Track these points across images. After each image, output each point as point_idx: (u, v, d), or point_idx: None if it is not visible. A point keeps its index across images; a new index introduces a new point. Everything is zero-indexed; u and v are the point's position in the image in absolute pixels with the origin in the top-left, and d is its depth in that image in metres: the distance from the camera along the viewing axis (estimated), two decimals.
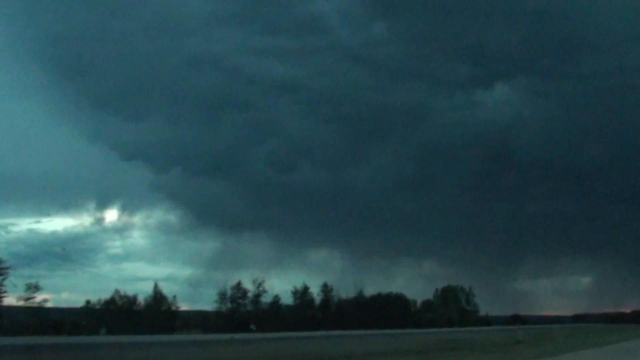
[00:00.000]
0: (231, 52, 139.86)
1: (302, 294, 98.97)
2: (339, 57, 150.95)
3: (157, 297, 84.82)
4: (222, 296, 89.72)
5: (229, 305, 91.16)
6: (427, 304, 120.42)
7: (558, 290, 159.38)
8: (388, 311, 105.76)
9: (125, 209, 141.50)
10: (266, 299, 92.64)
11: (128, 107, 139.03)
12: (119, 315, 77.53)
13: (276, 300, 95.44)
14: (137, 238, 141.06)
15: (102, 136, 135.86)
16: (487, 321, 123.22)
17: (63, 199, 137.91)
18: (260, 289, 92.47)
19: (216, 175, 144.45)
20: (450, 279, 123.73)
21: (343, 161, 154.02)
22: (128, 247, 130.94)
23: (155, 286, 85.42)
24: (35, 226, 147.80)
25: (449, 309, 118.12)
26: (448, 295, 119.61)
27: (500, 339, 47.60)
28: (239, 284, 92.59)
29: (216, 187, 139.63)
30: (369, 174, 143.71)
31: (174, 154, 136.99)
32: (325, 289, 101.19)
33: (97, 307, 79.70)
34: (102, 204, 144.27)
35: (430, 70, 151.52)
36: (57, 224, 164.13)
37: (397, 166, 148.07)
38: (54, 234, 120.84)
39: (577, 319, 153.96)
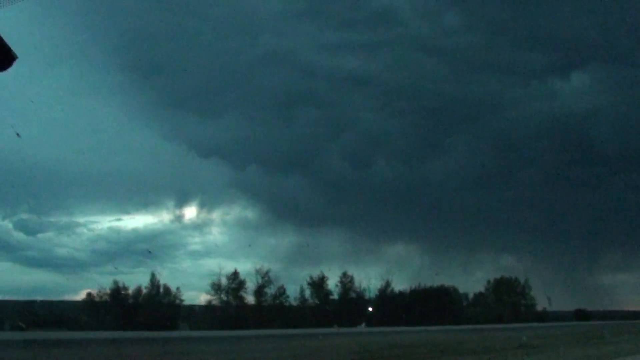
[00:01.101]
0: (303, 48, 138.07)
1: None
2: (412, 49, 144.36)
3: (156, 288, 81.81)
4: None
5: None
6: (478, 297, 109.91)
7: (638, 283, 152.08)
8: (430, 305, 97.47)
9: (203, 205, 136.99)
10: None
11: (204, 106, 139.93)
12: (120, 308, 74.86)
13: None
14: (216, 234, 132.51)
15: (180, 134, 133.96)
16: (543, 317, 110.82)
17: (143, 197, 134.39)
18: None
19: (291, 171, 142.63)
20: (508, 270, 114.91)
21: (418, 154, 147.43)
22: (207, 243, 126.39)
23: (153, 276, 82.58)
24: (116, 224, 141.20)
25: (501, 303, 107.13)
26: (501, 287, 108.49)
27: (506, 341, 38.48)
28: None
29: (292, 183, 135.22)
30: (445, 167, 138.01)
31: (250, 151, 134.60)
32: (345, 279, 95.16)
33: (97, 299, 76.47)
34: (181, 201, 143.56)
35: (504, 60, 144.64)
36: (137, 221, 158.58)
37: (473, 159, 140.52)
38: (134, 231, 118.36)
39: None
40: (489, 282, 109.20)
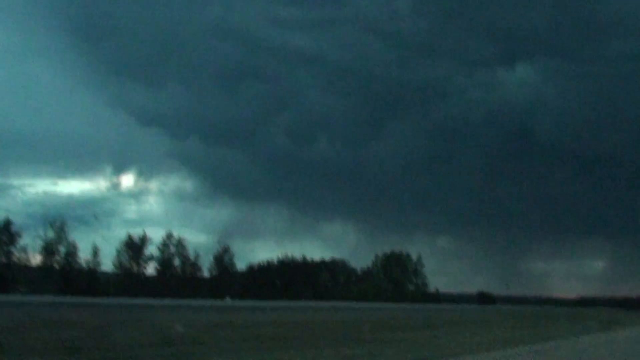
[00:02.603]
0: (251, 22, 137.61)
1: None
2: (361, 30, 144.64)
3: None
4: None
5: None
6: (367, 272, 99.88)
7: (567, 273, 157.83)
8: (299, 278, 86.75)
9: (141, 174, 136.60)
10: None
11: (148, 74, 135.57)
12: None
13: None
14: (153, 204, 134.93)
15: (122, 101, 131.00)
16: (438, 298, 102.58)
17: (80, 162, 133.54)
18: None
19: (233, 144, 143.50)
20: (398, 245, 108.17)
21: (361, 136, 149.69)
22: (143, 212, 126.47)
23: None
24: (51, 188, 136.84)
25: (390, 280, 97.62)
26: (390, 263, 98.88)
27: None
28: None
29: (233, 156, 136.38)
30: (386, 150, 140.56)
31: (191, 122, 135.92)
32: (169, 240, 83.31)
33: None
34: (119, 169, 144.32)
35: (452, 47, 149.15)
36: (73, 186, 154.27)
37: (414, 143, 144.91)
38: (70, 196, 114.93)
39: (581, 302, 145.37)
40: (377, 257, 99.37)
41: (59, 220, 75.23)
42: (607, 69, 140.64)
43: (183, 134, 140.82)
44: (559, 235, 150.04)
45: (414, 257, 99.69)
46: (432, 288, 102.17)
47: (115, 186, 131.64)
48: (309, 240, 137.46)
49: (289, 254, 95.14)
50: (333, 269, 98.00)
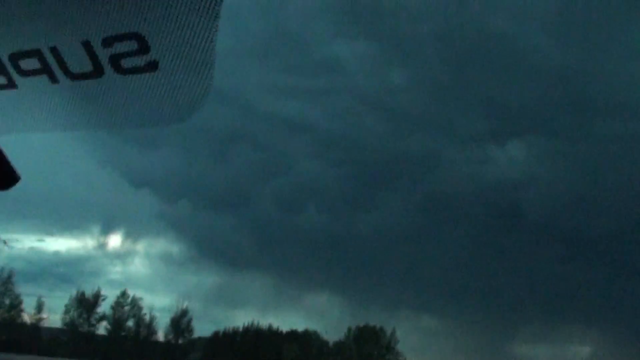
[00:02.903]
0: (246, 88, 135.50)
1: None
2: (354, 101, 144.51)
3: None
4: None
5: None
6: (338, 345, 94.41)
7: (554, 357, 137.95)
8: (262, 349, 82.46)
9: (129, 235, 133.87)
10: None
11: (140, 135, 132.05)
12: None
13: None
14: (139, 265, 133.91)
15: (114, 161, 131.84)
16: None
17: (69, 220, 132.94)
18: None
19: (222, 210, 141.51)
20: (377, 321, 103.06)
21: (349, 206, 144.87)
22: (128, 273, 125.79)
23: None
24: (37, 244, 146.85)
25: (361, 355, 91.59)
26: (364, 336, 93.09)
27: None
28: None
29: (221, 222, 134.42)
30: (374, 221, 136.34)
31: (182, 185, 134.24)
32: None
33: None
34: (107, 229, 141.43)
35: (444, 122, 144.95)
36: (60, 244, 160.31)
37: (402, 215, 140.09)
38: (56, 254, 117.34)
39: None
40: (349, 329, 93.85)
41: (6, 271, 76.14)
42: (596, 150, 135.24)
43: (173, 197, 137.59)
44: (545, 317, 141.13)
45: (388, 331, 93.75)
46: None
47: (102, 246, 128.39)
48: (293, 311, 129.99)
49: (256, 322, 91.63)
50: (304, 340, 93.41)
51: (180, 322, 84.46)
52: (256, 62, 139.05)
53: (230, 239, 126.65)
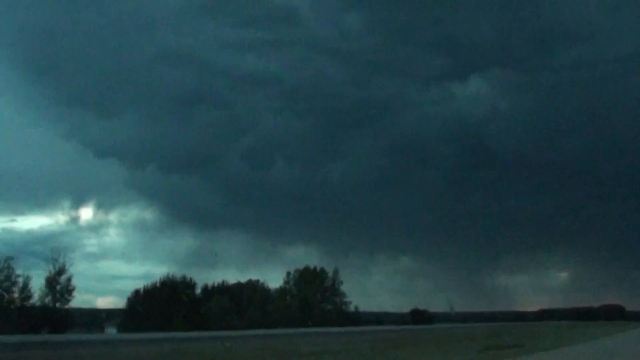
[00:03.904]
0: (202, 46, 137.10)
1: None
2: (312, 50, 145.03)
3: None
4: None
5: None
6: (279, 291, 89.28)
7: (530, 286, 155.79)
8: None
9: (100, 206, 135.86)
10: None
11: (101, 104, 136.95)
12: None
13: None
14: (113, 236, 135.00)
15: (76, 133, 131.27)
16: (357, 319, 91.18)
17: (38, 198, 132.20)
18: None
19: (191, 172, 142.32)
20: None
21: (318, 157, 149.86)
22: (104, 245, 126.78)
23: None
24: (10, 225, 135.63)
25: (301, 300, 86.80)
26: (304, 279, 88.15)
27: None
28: None
29: (191, 184, 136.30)
30: (343, 170, 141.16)
31: (148, 151, 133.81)
32: None
33: None
34: (77, 202, 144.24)
35: (404, 63, 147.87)
36: (32, 222, 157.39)
37: (371, 161, 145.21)
38: (29, 232, 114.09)
39: (542, 315, 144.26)
40: (288, 274, 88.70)
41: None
42: (557, 79, 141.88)
43: (140, 164, 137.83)
44: (522, 247, 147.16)
45: (330, 272, 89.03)
46: (352, 307, 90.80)
47: (75, 220, 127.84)
48: (271, 265, 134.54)
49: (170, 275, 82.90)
50: (248, 291, 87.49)
51: (55, 283, 71.00)
52: (209, 19, 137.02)
53: (202, 200, 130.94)
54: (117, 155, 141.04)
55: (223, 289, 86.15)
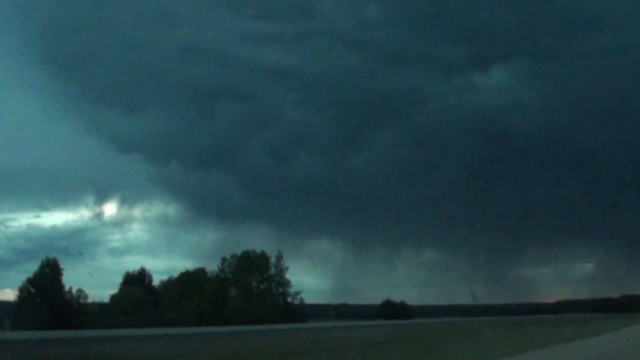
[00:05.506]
0: (222, 39, 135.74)
1: None
2: (333, 42, 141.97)
3: None
4: None
5: None
6: (216, 278, 77.73)
7: (559, 276, 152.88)
8: None
9: (124, 202, 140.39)
10: None
11: (124, 99, 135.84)
12: None
13: None
14: (137, 231, 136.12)
15: (100, 129, 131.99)
16: (301, 314, 78.92)
17: (62, 194, 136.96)
18: None
19: (214, 166, 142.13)
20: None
21: (340, 149, 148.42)
22: (128, 240, 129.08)
23: None
24: (35, 221, 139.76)
25: (239, 287, 75.18)
26: (241, 265, 76.42)
27: None
28: None
29: (214, 178, 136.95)
30: (366, 161, 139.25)
31: (171, 146, 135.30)
32: None
33: None
34: (101, 198, 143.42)
35: (426, 54, 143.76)
36: (56, 218, 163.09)
37: (394, 153, 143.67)
38: (54, 228, 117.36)
39: (558, 306, 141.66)
40: (224, 259, 76.77)
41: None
42: (580, 68, 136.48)
43: (164, 159, 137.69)
44: (547, 239, 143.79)
45: (272, 256, 77.08)
46: (298, 299, 78.84)
47: (99, 215, 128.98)
48: (296, 259, 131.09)
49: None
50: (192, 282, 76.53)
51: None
52: (230, 12, 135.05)
53: (225, 194, 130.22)
54: (140, 150, 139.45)
55: None
